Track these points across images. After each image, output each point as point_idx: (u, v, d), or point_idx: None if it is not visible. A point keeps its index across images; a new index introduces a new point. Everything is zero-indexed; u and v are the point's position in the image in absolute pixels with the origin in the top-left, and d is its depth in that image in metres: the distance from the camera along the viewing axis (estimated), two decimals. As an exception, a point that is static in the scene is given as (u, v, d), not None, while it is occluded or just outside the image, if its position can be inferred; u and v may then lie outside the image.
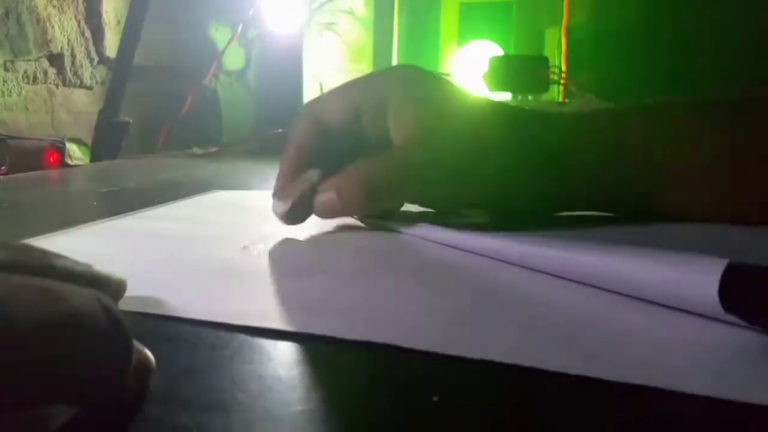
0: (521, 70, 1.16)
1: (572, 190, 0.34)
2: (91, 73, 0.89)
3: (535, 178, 0.33)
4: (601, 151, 0.33)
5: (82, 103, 0.87)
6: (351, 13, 1.46)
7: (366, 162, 0.32)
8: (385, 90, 0.32)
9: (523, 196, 0.33)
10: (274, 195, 0.32)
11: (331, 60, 1.40)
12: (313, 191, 0.32)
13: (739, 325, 0.19)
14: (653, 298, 0.21)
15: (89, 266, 0.19)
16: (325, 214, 0.32)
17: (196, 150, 0.86)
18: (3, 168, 0.65)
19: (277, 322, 0.20)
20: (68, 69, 0.85)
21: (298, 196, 0.31)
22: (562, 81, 1.16)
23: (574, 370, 0.16)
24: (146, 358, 0.15)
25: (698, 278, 0.19)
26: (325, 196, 0.31)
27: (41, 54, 0.80)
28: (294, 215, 0.32)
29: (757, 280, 0.19)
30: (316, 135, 0.33)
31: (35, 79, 0.80)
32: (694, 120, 0.35)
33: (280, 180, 0.33)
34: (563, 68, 1.17)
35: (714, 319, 0.19)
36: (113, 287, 0.20)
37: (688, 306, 0.20)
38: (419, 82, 0.33)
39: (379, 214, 0.34)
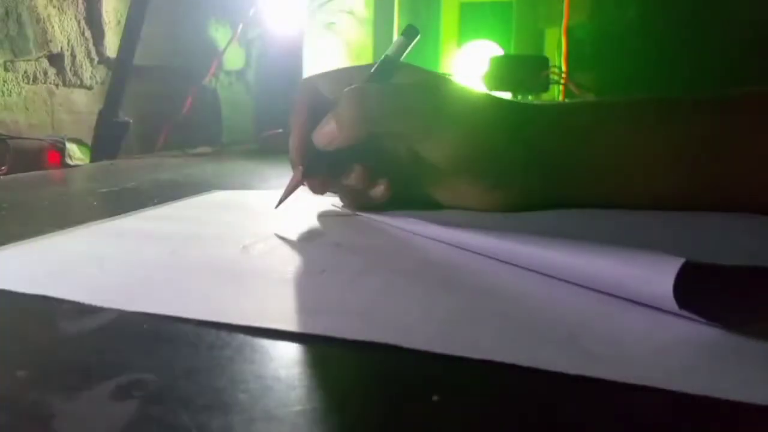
0: (521, 70, 1.16)
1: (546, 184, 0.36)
2: (91, 73, 0.89)
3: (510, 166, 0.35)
4: (570, 142, 0.35)
5: (82, 103, 0.87)
6: (351, 13, 1.46)
7: (361, 86, 0.35)
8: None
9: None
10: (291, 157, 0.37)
11: (331, 60, 1.40)
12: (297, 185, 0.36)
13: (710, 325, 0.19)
14: (620, 294, 0.22)
15: None
16: (323, 141, 0.34)
17: (202, 149, 0.86)
18: (3, 168, 0.65)
19: (277, 322, 0.20)
20: (68, 69, 0.85)
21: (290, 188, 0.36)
22: (562, 81, 1.16)
23: (573, 370, 0.16)
24: None
25: (655, 276, 0.20)
26: (325, 125, 0.34)
27: (41, 54, 0.80)
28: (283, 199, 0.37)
29: (712, 278, 0.20)
30: (317, 101, 0.36)
31: (35, 79, 0.80)
32: (658, 114, 0.37)
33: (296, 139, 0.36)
34: (563, 68, 1.17)
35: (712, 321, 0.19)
36: None
37: (648, 302, 0.20)
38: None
39: (374, 207, 0.36)
